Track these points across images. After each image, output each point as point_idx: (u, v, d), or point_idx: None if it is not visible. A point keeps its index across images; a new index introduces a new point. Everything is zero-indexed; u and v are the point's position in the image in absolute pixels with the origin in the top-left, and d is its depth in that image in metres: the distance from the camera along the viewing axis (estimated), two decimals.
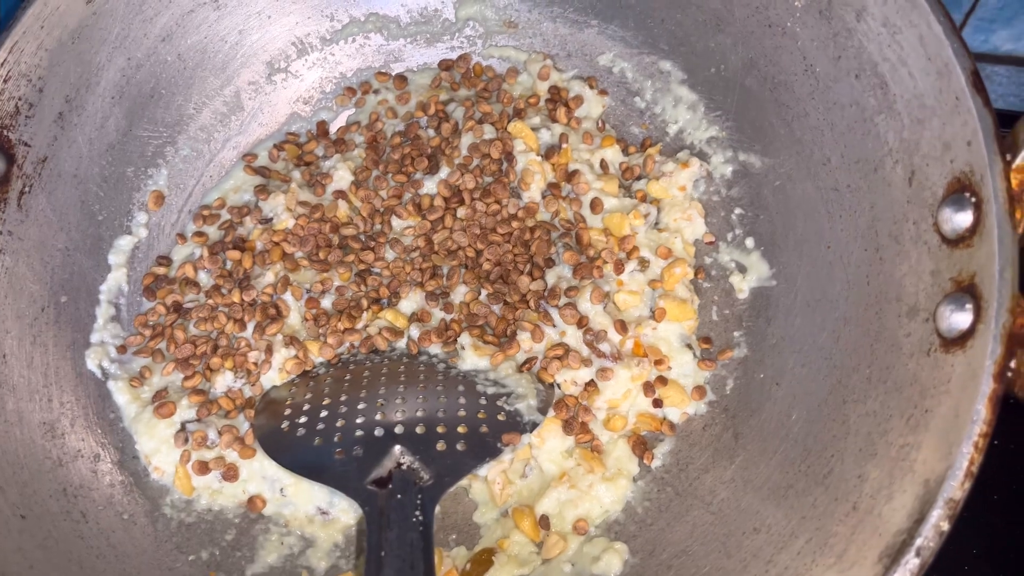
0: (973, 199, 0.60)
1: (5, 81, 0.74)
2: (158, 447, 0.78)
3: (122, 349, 0.82)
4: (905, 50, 0.66)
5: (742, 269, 0.84)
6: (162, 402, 0.78)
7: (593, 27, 0.94)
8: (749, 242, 0.84)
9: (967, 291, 0.60)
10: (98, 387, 0.80)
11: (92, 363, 0.80)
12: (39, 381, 0.75)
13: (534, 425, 0.74)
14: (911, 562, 0.55)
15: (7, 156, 0.75)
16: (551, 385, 0.78)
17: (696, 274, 0.85)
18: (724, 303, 0.84)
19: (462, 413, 0.74)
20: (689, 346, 0.82)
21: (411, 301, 0.83)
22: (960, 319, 0.60)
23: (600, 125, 0.93)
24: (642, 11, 0.90)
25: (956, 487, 0.56)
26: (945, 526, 0.56)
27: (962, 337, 0.59)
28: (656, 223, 0.87)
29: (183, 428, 0.78)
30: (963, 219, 0.61)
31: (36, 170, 0.77)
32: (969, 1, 1.01)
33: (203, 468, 0.77)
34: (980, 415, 0.56)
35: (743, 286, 0.84)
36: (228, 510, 0.78)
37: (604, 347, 0.79)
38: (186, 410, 0.79)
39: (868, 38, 0.70)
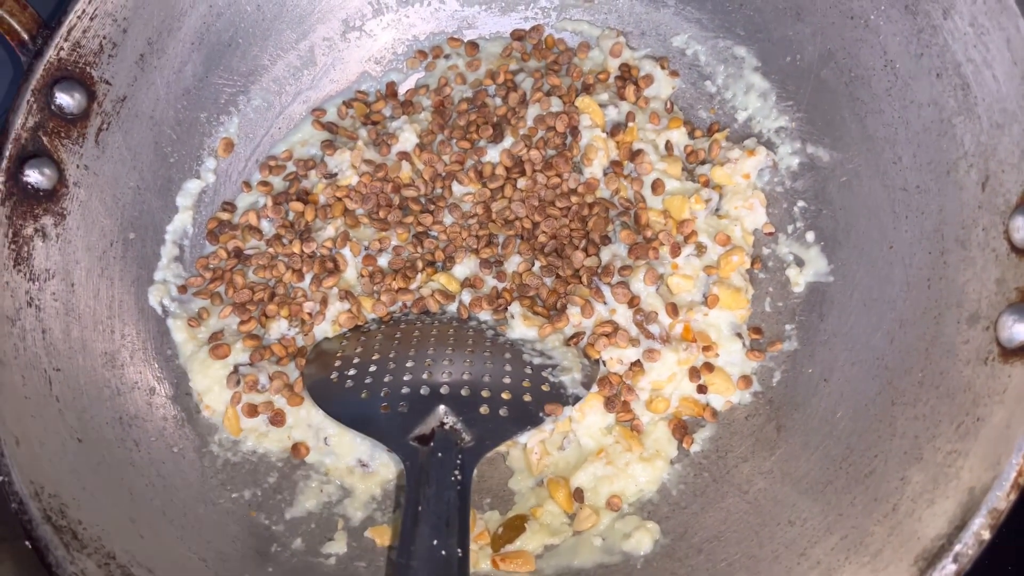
0: None
1: (92, 19, 0.76)
2: (211, 386, 0.80)
3: (183, 289, 0.84)
4: (991, 52, 0.65)
5: (800, 263, 0.83)
6: (217, 343, 0.80)
7: (669, 7, 0.93)
8: (809, 236, 0.83)
9: None
10: (158, 323, 0.82)
11: (154, 300, 0.83)
12: (103, 312, 0.78)
13: (577, 398, 0.75)
14: (948, 568, 0.55)
15: (88, 92, 0.77)
16: (596, 361, 0.79)
17: (753, 264, 0.85)
18: (778, 295, 0.84)
19: (507, 380, 0.75)
20: (739, 335, 0.81)
21: (465, 267, 0.84)
22: (1022, 330, 0.59)
23: (668, 106, 0.92)
24: None
25: (1001, 497, 0.56)
26: (986, 535, 0.56)
27: (1023, 348, 0.58)
28: (717, 209, 0.86)
29: (236, 370, 0.80)
30: None
31: (115, 108, 0.80)
32: None
33: (252, 411, 0.79)
34: None
35: (799, 280, 0.83)
36: (272, 454, 0.80)
37: (653, 328, 0.79)
38: (240, 353, 0.81)
39: (954, 37, 0.68)
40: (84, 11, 0.76)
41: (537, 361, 0.77)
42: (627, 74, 0.92)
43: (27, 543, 0.64)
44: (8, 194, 0.72)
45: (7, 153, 0.72)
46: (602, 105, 0.89)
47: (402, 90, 0.96)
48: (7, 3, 0.74)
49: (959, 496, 0.58)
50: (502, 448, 0.80)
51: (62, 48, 0.75)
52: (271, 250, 0.85)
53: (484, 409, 0.72)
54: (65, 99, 0.75)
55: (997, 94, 0.64)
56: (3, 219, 0.71)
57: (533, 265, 0.83)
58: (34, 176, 0.73)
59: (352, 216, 0.86)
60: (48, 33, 0.74)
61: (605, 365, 0.79)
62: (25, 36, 0.74)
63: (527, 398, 0.74)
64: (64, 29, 0.75)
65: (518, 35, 0.96)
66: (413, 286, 0.83)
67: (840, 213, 0.81)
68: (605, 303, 0.80)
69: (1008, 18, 0.63)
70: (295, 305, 0.81)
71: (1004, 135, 0.64)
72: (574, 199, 0.85)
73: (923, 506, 0.60)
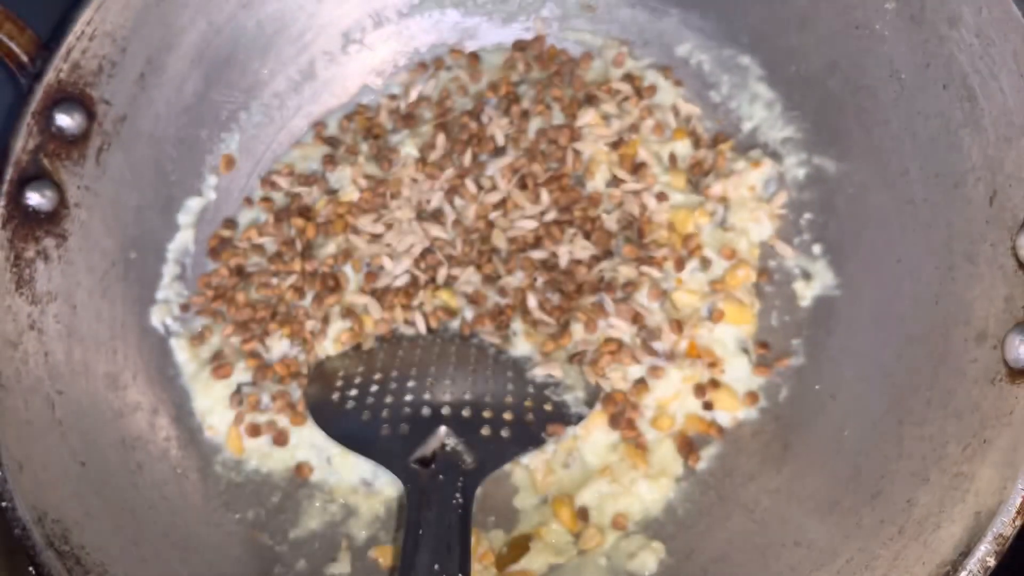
0: None
1: (91, 39, 0.76)
2: (213, 406, 0.80)
3: (185, 307, 0.84)
4: (997, 64, 0.64)
5: (807, 276, 0.82)
6: (220, 363, 0.80)
7: (673, 16, 0.92)
8: (816, 249, 0.82)
9: None
10: (160, 343, 0.82)
11: (156, 319, 0.83)
12: (105, 334, 0.78)
13: (580, 418, 0.74)
14: None
15: (88, 113, 0.77)
16: (596, 384, 0.78)
17: (759, 277, 0.83)
18: (785, 309, 0.82)
19: (509, 399, 0.74)
20: (745, 350, 0.80)
21: (467, 283, 0.83)
22: None
23: (675, 111, 0.90)
24: (725, 3, 0.88)
25: (1007, 523, 0.55)
26: (991, 561, 0.55)
27: None
28: (722, 222, 0.85)
29: (238, 390, 0.80)
30: None
31: (115, 128, 0.79)
32: None
33: (255, 431, 0.79)
34: None
35: (806, 293, 0.81)
36: (276, 474, 0.80)
37: (658, 346, 0.78)
38: (242, 373, 0.81)
39: (960, 48, 0.67)
40: (83, 32, 0.76)
41: (539, 379, 0.77)
42: (630, 84, 0.91)
43: (31, 569, 0.64)
44: (9, 217, 0.72)
45: (8, 176, 0.72)
46: (605, 117, 0.88)
47: (403, 103, 0.95)
48: (6, 26, 0.73)
49: (965, 521, 0.57)
50: (506, 466, 0.80)
51: (61, 70, 0.75)
52: (272, 267, 0.84)
53: (486, 431, 0.71)
54: (65, 120, 0.75)
55: (1004, 107, 0.63)
56: (4, 242, 0.71)
57: (536, 281, 0.83)
58: (35, 199, 0.73)
59: (354, 231, 0.85)
60: (47, 55, 0.74)
61: (609, 381, 0.78)
62: (24, 58, 0.74)
63: (529, 418, 0.73)
64: (63, 50, 0.75)
65: (520, 46, 0.95)
66: (415, 303, 0.82)
67: (847, 225, 0.80)
68: (608, 319, 0.79)
69: (1014, 29, 0.62)
70: (297, 324, 0.81)
71: (1011, 149, 0.62)
72: (576, 213, 0.84)
73: (929, 530, 0.59)
